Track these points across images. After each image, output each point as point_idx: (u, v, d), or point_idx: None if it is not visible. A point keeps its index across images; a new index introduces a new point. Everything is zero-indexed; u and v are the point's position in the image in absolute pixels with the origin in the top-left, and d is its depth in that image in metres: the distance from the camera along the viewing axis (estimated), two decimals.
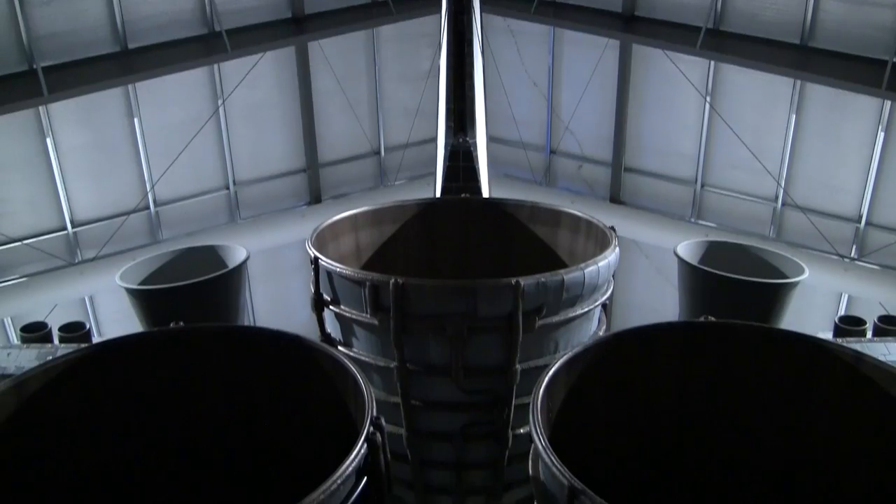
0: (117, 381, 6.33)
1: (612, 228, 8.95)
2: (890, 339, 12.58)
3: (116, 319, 19.67)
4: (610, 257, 8.17)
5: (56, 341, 12.78)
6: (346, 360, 5.86)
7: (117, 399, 6.37)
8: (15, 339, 16.79)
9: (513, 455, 8.52)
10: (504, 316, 7.37)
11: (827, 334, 10.92)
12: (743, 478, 6.76)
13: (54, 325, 13.02)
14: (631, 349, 6.45)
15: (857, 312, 13.33)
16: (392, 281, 7.24)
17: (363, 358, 8.02)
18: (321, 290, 8.23)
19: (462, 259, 10.69)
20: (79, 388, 6.12)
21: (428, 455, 8.63)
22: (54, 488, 6.04)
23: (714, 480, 6.83)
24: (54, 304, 18.47)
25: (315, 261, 8.09)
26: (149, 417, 6.55)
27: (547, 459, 4.81)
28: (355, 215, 10.00)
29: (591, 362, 6.20)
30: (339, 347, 7.77)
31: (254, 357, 6.46)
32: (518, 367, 7.66)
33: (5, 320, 19.76)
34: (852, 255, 19.33)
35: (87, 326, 13.05)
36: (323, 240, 9.12)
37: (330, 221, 9.52)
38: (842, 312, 18.75)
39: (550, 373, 5.77)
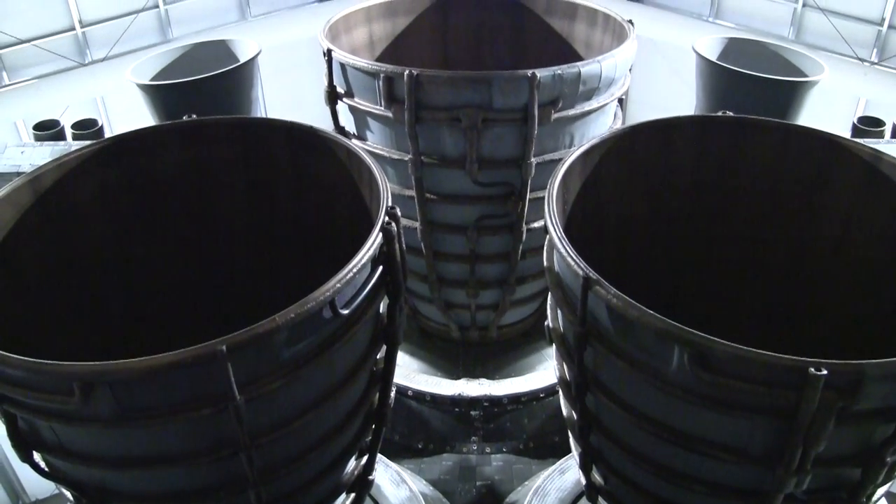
0: (131, 174, 6.31)
1: (630, 22, 8.74)
2: None
3: (129, 118, 19.60)
4: (627, 50, 8.00)
5: (69, 138, 12.79)
6: (360, 151, 5.81)
7: (132, 191, 6.36)
8: (28, 139, 16.77)
9: (526, 249, 8.63)
10: (519, 108, 7.29)
11: (845, 136, 10.85)
12: (754, 271, 6.80)
13: (67, 124, 13.00)
14: (647, 141, 6.38)
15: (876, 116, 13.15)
16: (406, 72, 7.13)
17: (378, 150, 7.99)
18: (334, 83, 8.12)
19: (477, 52, 10.51)
20: (93, 181, 6.11)
21: (442, 247, 8.74)
22: (71, 278, 6.12)
23: (725, 272, 6.88)
24: (66, 105, 18.36)
25: (328, 52, 7.95)
26: (163, 210, 6.56)
27: (562, 249, 4.82)
28: (369, 7, 9.78)
29: (607, 154, 6.15)
30: (354, 140, 7.71)
31: (267, 148, 6.41)
32: (533, 160, 7.63)
33: (17, 122, 19.70)
34: (872, 58, 18.94)
35: (100, 123, 13.05)
36: (336, 32, 8.95)
37: (343, 13, 9.31)
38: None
39: (567, 163, 5.72)
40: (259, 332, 4.12)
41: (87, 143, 6.30)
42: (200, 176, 6.52)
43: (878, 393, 4.01)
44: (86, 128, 13.04)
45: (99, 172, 6.12)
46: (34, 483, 16.21)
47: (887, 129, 13.07)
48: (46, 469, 5.02)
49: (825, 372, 3.79)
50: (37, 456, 4.88)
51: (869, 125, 13.03)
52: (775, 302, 6.79)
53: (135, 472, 4.76)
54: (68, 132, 13.10)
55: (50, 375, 4.07)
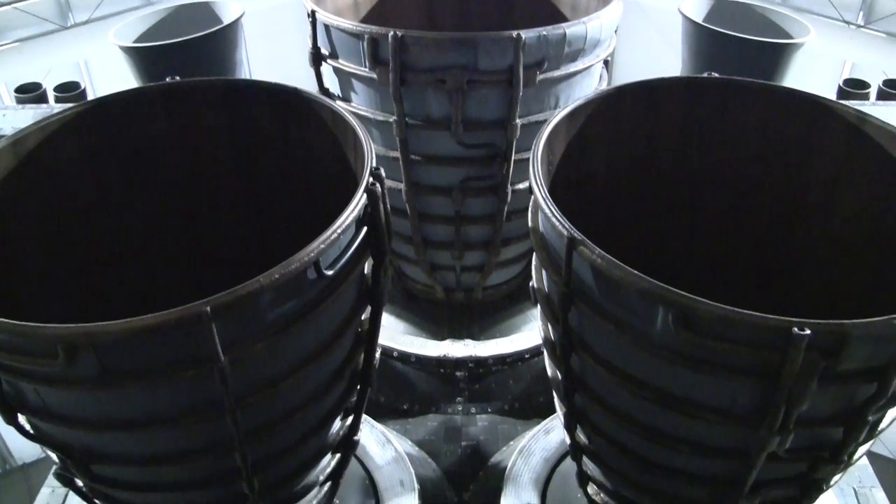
0: (114, 136, 6.26)
1: None
2: (893, 102, 12.52)
3: (112, 81, 19.49)
4: (613, 12, 7.96)
5: (51, 101, 12.72)
6: (345, 112, 5.79)
7: (115, 154, 6.33)
8: (10, 102, 16.65)
9: (511, 211, 8.62)
10: (505, 69, 7.24)
11: (831, 98, 10.87)
12: (740, 232, 6.82)
13: (49, 87, 12.95)
14: (633, 102, 6.37)
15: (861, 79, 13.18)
16: (391, 33, 7.07)
17: (362, 112, 7.94)
18: (319, 45, 8.06)
19: (462, 14, 10.44)
20: (76, 143, 6.06)
21: (427, 209, 8.72)
22: (54, 241, 6.09)
23: (711, 234, 6.89)
24: (49, 69, 18.22)
25: (312, 14, 7.88)
26: (147, 172, 6.53)
27: (547, 210, 4.82)
28: None
29: (593, 115, 6.14)
30: (338, 102, 7.67)
31: (251, 110, 6.38)
32: (518, 121, 7.60)
33: None
34: (858, 21, 18.91)
35: (82, 86, 12.98)
36: None
37: None
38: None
39: (552, 124, 5.71)
40: (243, 293, 4.12)
41: (70, 105, 6.25)
42: (184, 138, 6.49)
43: (861, 353, 4.03)
44: (68, 90, 12.98)
45: (82, 135, 6.07)
46: (21, 447, 16.24)
47: (872, 91, 13.11)
48: (32, 431, 5.02)
49: (808, 332, 3.81)
50: (22, 418, 4.88)
51: (854, 87, 13.08)
52: (761, 264, 6.81)
53: (120, 434, 4.77)
54: (51, 95, 13.04)
55: (33, 338, 4.06)
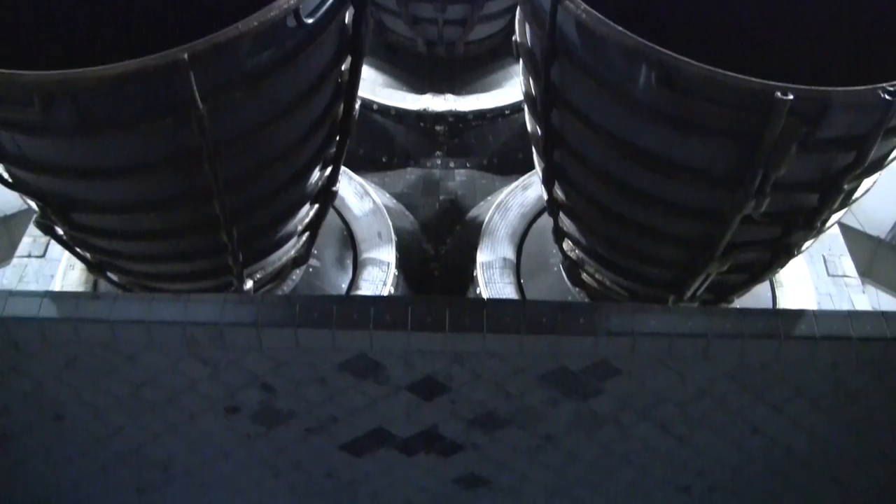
0: None
1: None
2: None
3: None
4: None
5: None
6: None
7: None
8: None
9: None
10: None
11: None
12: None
13: None
14: None
15: None
16: None
17: None
18: None
19: None
20: None
21: None
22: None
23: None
24: None
25: None
26: None
27: None
28: None
29: None
30: None
31: None
32: None
33: None
34: None
35: None
36: None
37: None
38: None
39: None
40: (221, 40, 4.04)
41: None
42: None
43: (841, 121, 4.05)
44: None
45: None
46: (1, 199, 16.28)
47: None
48: (10, 180, 5.02)
49: (791, 97, 3.79)
50: (0, 167, 4.88)
51: None
52: (749, 33, 6.65)
53: (97, 182, 4.78)
54: None
55: (9, 85, 3.99)
